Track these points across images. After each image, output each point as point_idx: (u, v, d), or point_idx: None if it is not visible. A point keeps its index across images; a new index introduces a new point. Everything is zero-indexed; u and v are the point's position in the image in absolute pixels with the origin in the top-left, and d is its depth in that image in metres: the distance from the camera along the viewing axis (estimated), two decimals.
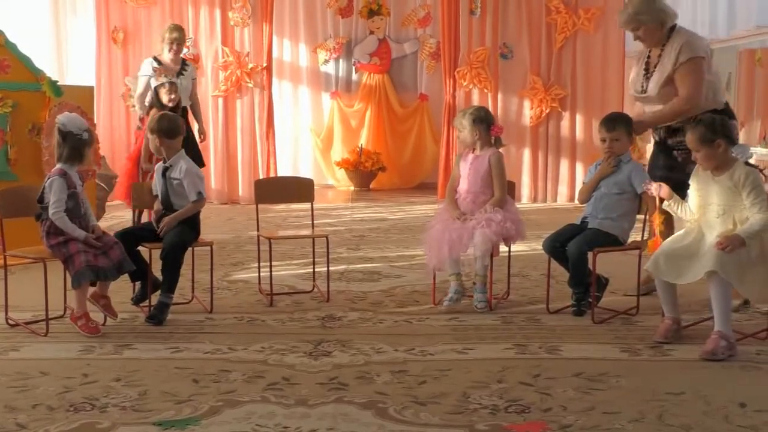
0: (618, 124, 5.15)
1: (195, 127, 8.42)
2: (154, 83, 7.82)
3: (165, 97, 7.68)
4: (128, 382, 3.91)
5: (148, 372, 4.07)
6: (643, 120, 5.44)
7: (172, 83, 7.71)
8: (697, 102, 5.24)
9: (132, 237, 5.14)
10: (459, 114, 5.58)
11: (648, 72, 5.46)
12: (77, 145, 4.84)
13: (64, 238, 4.73)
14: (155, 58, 8.18)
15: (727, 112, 5.33)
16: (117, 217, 9.15)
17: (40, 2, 10.82)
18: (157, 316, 4.99)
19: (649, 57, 5.49)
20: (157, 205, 5.28)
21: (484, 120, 5.39)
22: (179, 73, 8.08)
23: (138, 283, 5.24)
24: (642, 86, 5.48)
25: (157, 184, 5.30)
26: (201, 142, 8.41)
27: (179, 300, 5.38)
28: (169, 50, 8.12)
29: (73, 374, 4.02)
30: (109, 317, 4.92)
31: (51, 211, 4.73)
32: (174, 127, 5.28)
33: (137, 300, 5.22)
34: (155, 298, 5.05)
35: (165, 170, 5.23)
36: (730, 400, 3.65)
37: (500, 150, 5.47)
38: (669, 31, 5.38)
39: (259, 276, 5.75)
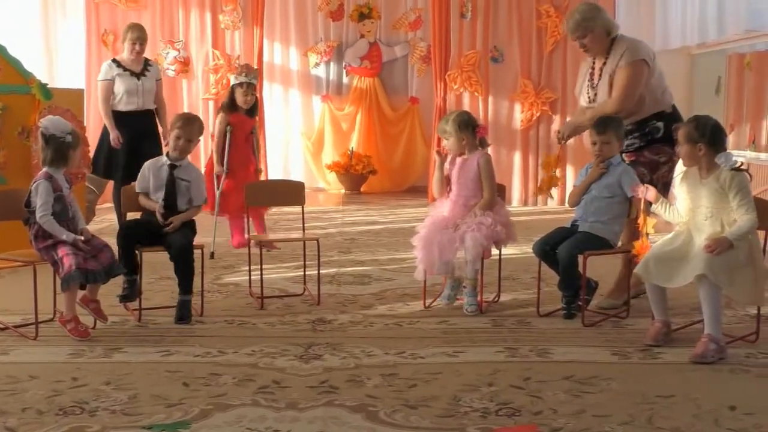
0: (608, 127, 5.15)
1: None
2: (234, 80, 7.34)
3: (240, 98, 7.23)
4: (118, 386, 3.90)
5: (138, 375, 4.06)
6: (580, 124, 5.54)
7: (250, 84, 7.24)
8: (630, 102, 5.32)
9: (134, 237, 5.11)
10: (441, 122, 5.56)
11: (593, 81, 5.53)
12: (61, 148, 4.82)
13: (52, 241, 4.71)
14: (114, 60, 7.90)
15: (675, 115, 5.45)
16: (107, 220, 9.12)
17: (30, 5, 10.79)
18: (186, 316, 5.05)
19: (593, 67, 5.55)
20: (145, 200, 5.24)
21: (468, 124, 5.39)
22: (141, 74, 7.79)
23: (125, 280, 5.14)
24: (588, 95, 5.54)
25: (151, 180, 5.23)
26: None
27: (169, 303, 5.37)
28: (131, 51, 7.76)
29: (62, 378, 4.01)
30: (99, 320, 4.90)
31: (38, 214, 4.71)
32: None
33: (123, 299, 5.13)
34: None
35: (172, 167, 5.24)
36: (720, 403, 3.66)
37: (487, 151, 5.49)
38: (611, 41, 5.46)
39: (250, 279, 5.74)
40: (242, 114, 7.30)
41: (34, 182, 4.82)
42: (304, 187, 6.12)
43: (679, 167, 4.63)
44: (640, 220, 4.78)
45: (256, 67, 10.96)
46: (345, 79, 12.69)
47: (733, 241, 4.26)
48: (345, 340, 4.65)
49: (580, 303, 5.08)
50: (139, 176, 5.33)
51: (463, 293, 5.31)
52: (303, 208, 5.97)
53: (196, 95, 11.09)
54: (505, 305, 5.50)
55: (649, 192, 4.76)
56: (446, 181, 5.50)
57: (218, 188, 7.18)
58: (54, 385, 3.90)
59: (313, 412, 3.59)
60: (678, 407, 3.63)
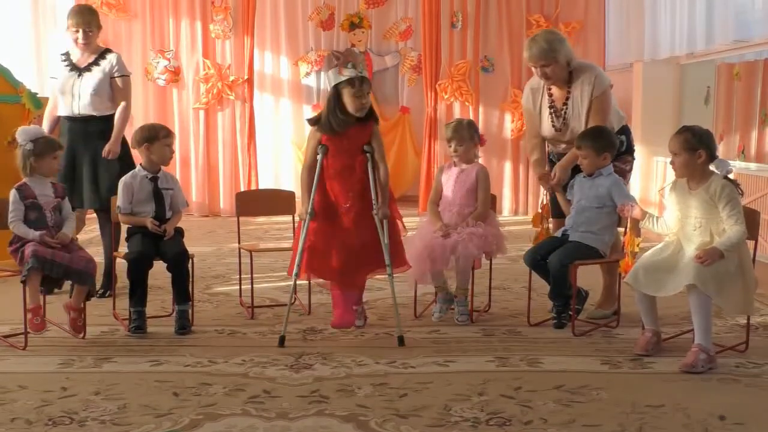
0: (584, 141, 5.11)
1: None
2: (335, 78, 4.83)
3: (352, 103, 4.80)
4: (108, 396, 3.89)
5: (127, 385, 4.05)
6: (565, 166, 5.37)
7: (363, 79, 4.80)
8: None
9: (146, 269, 5.05)
10: (451, 127, 5.45)
11: (556, 109, 5.43)
12: (24, 155, 4.87)
13: (21, 242, 4.76)
14: (66, 52, 6.25)
15: (628, 127, 5.63)
16: (97, 230, 9.09)
17: (20, 14, 10.77)
18: (186, 326, 5.03)
19: (551, 95, 5.45)
20: (131, 219, 5.15)
21: (477, 130, 5.45)
22: (86, 69, 6.11)
23: (134, 311, 5.03)
24: (554, 124, 5.43)
25: (132, 195, 5.15)
26: (108, 159, 6.02)
27: (160, 313, 5.37)
28: (74, 41, 6.12)
29: (51, 388, 4.00)
30: (71, 332, 4.86)
31: (8, 220, 4.78)
32: (157, 132, 5.25)
33: (137, 329, 4.96)
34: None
35: (155, 179, 5.20)
36: (710, 413, 3.66)
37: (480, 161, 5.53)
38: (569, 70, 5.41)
39: (240, 288, 5.73)
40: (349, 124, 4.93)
41: None
42: (295, 196, 6.11)
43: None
44: (626, 239, 4.79)
45: (239, 77, 10.96)
46: None
47: (724, 251, 4.27)
48: (336, 350, 4.64)
49: (570, 312, 5.09)
50: (123, 194, 5.15)
51: (454, 303, 5.31)
52: (294, 217, 5.96)
53: (187, 104, 11.06)
54: (496, 315, 5.50)
55: (634, 210, 4.76)
56: (439, 191, 5.51)
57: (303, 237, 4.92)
58: (43, 395, 3.89)
59: (304, 421, 3.58)
60: (668, 417, 3.64)
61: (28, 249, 4.65)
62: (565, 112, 5.36)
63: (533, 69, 5.40)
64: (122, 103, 6.14)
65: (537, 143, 5.57)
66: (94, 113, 6.04)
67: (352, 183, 4.92)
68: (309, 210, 4.87)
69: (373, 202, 4.88)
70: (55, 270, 4.71)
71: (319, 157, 4.90)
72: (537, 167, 5.56)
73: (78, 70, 6.08)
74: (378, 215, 4.88)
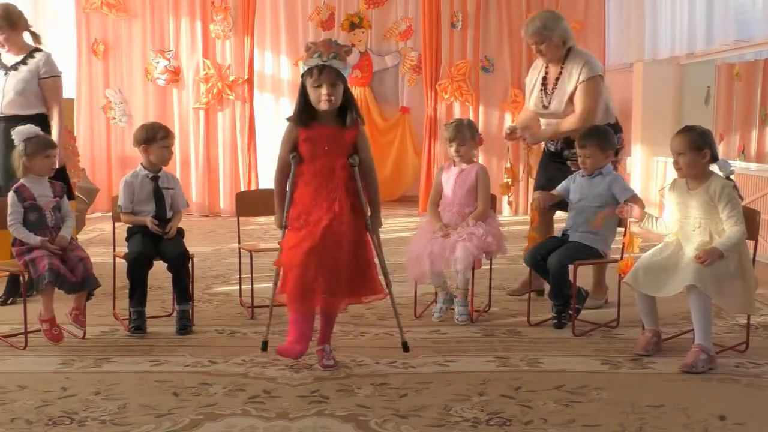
0: (589, 140, 5.17)
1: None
2: (303, 69, 4.37)
3: (313, 95, 4.27)
4: (108, 396, 3.89)
5: (127, 385, 4.05)
6: (539, 134, 5.82)
7: (324, 67, 4.21)
8: (592, 119, 5.48)
9: (145, 269, 5.03)
10: (452, 128, 5.43)
11: (546, 88, 5.69)
12: (18, 156, 4.87)
13: (27, 246, 4.74)
14: None
15: (618, 126, 5.72)
16: (98, 229, 9.11)
17: None
18: (187, 326, 5.03)
19: (546, 73, 5.73)
20: (132, 218, 5.14)
21: (477, 130, 5.50)
22: (12, 68, 5.89)
23: (133, 311, 5.03)
24: (543, 101, 5.71)
25: (133, 194, 5.15)
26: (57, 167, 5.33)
27: (160, 313, 5.37)
28: None
29: (51, 388, 4.00)
30: (75, 327, 4.86)
31: (7, 224, 4.77)
32: (155, 132, 5.23)
33: (136, 329, 4.96)
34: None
35: (155, 179, 5.19)
36: (710, 413, 3.66)
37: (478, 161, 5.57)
38: (566, 51, 5.65)
39: (240, 289, 5.73)
40: (326, 123, 4.37)
41: None
42: None
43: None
44: (626, 240, 4.79)
45: (239, 77, 10.97)
46: None
47: (723, 251, 4.27)
48: (336, 350, 4.63)
49: (570, 312, 5.09)
50: (124, 194, 5.15)
51: (454, 303, 5.31)
52: None
53: (187, 105, 11.07)
54: (496, 315, 5.50)
55: (633, 211, 4.77)
56: (439, 191, 5.52)
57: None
58: (43, 395, 3.89)
59: (304, 421, 3.58)
60: (668, 417, 3.64)
61: (44, 261, 4.62)
62: (554, 91, 5.61)
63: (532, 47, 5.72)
64: (55, 109, 5.92)
65: (528, 114, 5.88)
66: (19, 112, 5.78)
67: (329, 190, 4.29)
68: (285, 223, 4.48)
69: (366, 214, 4.48)
70: (65, 286, 4.72)
71: (292, 167, 4.43)
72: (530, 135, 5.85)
73: (5, 69, 5.89)
74: (372, 229, 4.53)
